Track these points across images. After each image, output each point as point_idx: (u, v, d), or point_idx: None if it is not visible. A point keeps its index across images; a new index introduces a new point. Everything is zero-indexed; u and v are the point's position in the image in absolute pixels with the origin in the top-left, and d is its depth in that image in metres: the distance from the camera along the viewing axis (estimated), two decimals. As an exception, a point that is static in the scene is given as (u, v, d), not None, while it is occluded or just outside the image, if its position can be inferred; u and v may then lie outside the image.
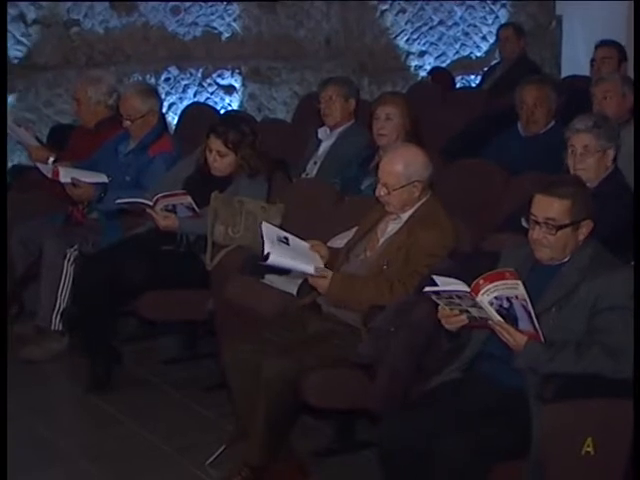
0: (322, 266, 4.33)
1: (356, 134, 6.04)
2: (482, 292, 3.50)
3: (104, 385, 5.32)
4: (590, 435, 3.47)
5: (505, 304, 3.53)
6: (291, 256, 4.28)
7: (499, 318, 3.55)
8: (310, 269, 4.29)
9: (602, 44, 7.45)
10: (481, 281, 3.51)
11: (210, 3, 8.45)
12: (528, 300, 3.53)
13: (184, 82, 8.55)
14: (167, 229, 5.33)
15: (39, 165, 6.20)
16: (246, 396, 4.23)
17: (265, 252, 4.21)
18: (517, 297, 3.53)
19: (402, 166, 4.37)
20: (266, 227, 4.36)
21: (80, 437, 4.87)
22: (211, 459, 4.49)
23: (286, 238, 4.35)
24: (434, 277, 3.67)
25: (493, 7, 9.18)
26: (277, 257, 4.21)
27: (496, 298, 3.52)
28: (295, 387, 4.14)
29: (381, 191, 4.39)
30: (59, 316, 5.64)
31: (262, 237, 4.27)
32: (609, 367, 3.55)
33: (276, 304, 4.65)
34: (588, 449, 3.47)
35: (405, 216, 4.42)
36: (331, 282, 4.28)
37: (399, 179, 4.36)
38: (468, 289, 3.53)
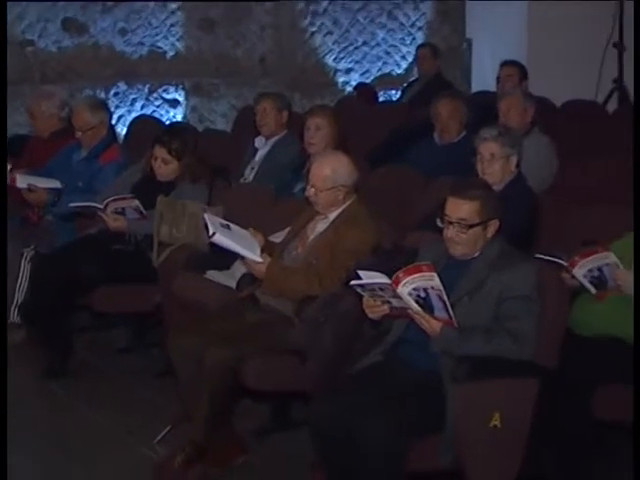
0: (259, 252, 4.34)
1: (289, 143, 6.03)
2: (402, 284, 3.54)
3: (60, 373, 5.28)
4: (497, 411, 3.52)
5: (422, 294, 3.57)
6: (233, 239, 4.29)
7: (417, 307, 3.58)
8: (250, 254, 4.31)
9: (506, 63, 7.54)
10: (401, 274, 3.54)
11: (155, 24, 8.41)
12: (443, 291, 3.57)
13: (132, 96, 8.50)
14: (117, 230, 5.32)
15: None
16: (190, 381, 4.22)
17: (210, 232, 4.22)
18: (433, 288, 3.56)
19: (329, 171, 4.39)
20: (209, 216, 4.38)
21: (37, 421, 4.83)
22: (158, 438, 4.49)
23: (228, 225, 4.37)
24: (359, 271, 3.70)
25: (411, 30, 9.24)
26: (221, 237, 4.22)
27: (414, 289, 3.55)
28: (235, 372, 4.14)
29: (310, 192, 4.42)
30: (17, 310, 5.60)
31: (206, 224, 4.29)
32: (513, 350, 3.61)
33: (217, 297, 4.65)
34: (496, 423, 3.52)
35: (332, 216, 4.43)
36: (268, 270, 4.30)
37: (326, 182, 4.38)
38: (389, 282, 3.56)
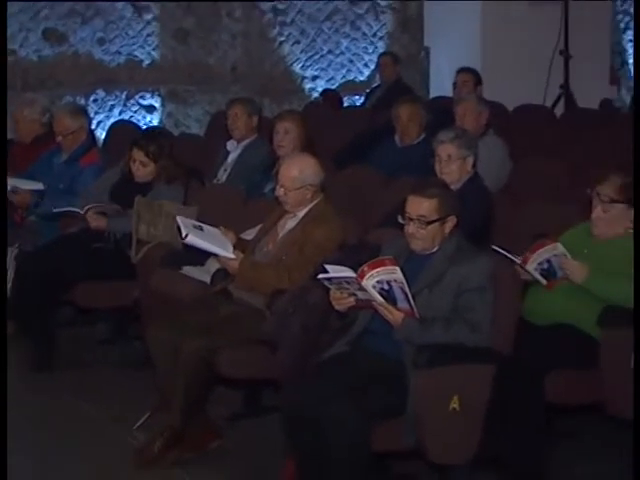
0: (232, 249, 4.34)
1: (259, 146, 6.01)
2: (366, 277, 3.55)
3: (46, 364, 5.25)
4: (456, 395, 3.53)
5: (386, 287, 3.58)
6: (205, 239, 4.29)
7: (381, 299, 3.59)
8: (222, 251, 4.30)
9: (461, 70, 7.57)
10: (365, 268, 3.55)
11: (131, 34, 8.37)
12: (405, 283, 3.58)
13: (110, 103, 8.44)
14: (97, 229, 5.31)
15: None
16: (168, 371, 4.21)
17: (183, 234, 4.22)
18: (396, 281, 3.57)
19: (297, 172, 4.39)
20: (181, 219, 4.37)
21: (24, 410, 4.79)
22: (138, 424, 4.47)
23: (200, 226, 4.37)
24: (326, 266, 3.70)
25: (373, 39, 9.24)
26: (194, 237, 4.23)
27: (378, 282, 3.56)
28: (209, 362, 4.14)
29: (280, 192, 4.42)
30: (3, 305, 5.56)
31: (178, 226, 4.29)
32: (470, 338, 3.63)
33: (193, 291, 4.63)
34: (454, 406, 3.53)
35: (300, 214, 4.43)
36: (240, 265, 4.30)
37: (294, 182, 4.38)
38: (355, 275, 3.57)
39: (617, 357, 3.87)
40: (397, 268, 3.58)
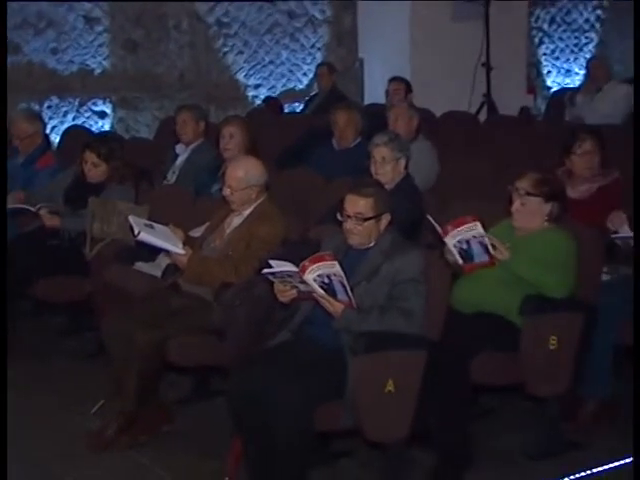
0: (181, 246, 4.31)
1: (206, 149, 5.99)
2: (308, 271, 3.55)
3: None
4: (391, 378, 3.55)
5: (326, 280, 3.58)
6: (156, 236, 4.27)
7: (321, 291, 3.59)
8: (173, 247, 4.28)
9: (393, 79, 7.62)
10: (306, 263, 3.55)
11: (83, 45, 8.28)
12: (344, 277, 3.59)
13: (64, 109, 8.33)
14: (52, 227, 5.27)
15: None
16: (122, 360, 4.18)
17: (135, 232, 4.20)
18: (335, 275, 3.57)
19: (243, 173, 4.39)
20: (132, 218, 4.34)
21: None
22: (93, 410, 4.45)
23: (151, 225, 4.34)
24: (270, 261, 3.70)
25: (311, 51, 9.24)
26: (146, 235, 4.21)
27: (319, 276, 3.56)
28: (161, 350, 4.12)
29: (227, 192, 4.41)
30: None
31: (131, 225, 4.26)
32: (404, 326, 3.65)
33: (145, 285, 4.60)
34: (389, 388, 3.55)
35: (246, 213, 4.42)
36: (189, 261, 4.27)
37: (240, 183, 4.37)
38: (297, 269, 3.57)
39: (535, 342, 3.93)
40: (336, 263, 3.58)
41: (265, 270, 3.68)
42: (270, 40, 9.11)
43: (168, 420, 4.33)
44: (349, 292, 3.63)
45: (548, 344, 3.92)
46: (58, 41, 8.27)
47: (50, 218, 5.28)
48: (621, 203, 4.61)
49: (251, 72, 9.02)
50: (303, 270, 3.56)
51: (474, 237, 3.89)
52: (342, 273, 3.59)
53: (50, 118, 8.15)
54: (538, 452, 4.03)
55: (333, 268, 3.58)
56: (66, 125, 8.17)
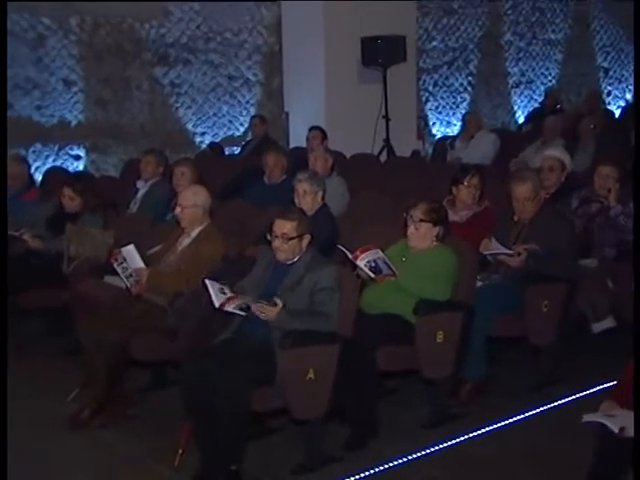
0: (143, 266, 4.23)
1: (162, 184, 5.91)
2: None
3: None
4: (312, 367, 3.52)
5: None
6: (129, 258, 4.24)
7: (256, 303, 3.55)
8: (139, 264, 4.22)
9: (312, 128, 7.60)
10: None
11: (62, 102, 8.16)
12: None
13: (46, 153, 8.20)
14: (35, 248, 5.23)
15: None
16: (93, 356, 4.08)
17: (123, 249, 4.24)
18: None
19: (192, 194, 4.40)
20: (126, 250, 4.27)
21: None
22: (70, 397, 4.35)
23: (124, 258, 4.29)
24: (206, 280, 3.65)
25: (246, 106, 9.20)
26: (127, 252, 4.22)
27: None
28: (126, 348, 4.05)
29: (177, 210, 4.39)
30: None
31: (124, 255, 4.24)
32: (322, 325, 3.62)
33: (113, 295, 4.48)
34: (311, 376, 3.52)
35: (194, 234, 4.38)
36: (149, 275, 4.21)
37: (189, 201, 4.35)
38: (228, 289, 3.57)
39: (426, 336, 3.93)
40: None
41: (207, 282, 3.63)
42: (213, 97, 9.09)
43: (131, 405, 4.24)
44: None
45: (436, 338, 3.93)
46: (42, 99, 8.22)
47: (33, 241, 5.25)
48: (492, 225, 4.64)
49: (198, 122, 8.99)
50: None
51: (379, 258, 3.93)
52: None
53: (34, 161, 8.04)
54: (429, 423, 4.02)
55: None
56: (47, 166, 8.05)
